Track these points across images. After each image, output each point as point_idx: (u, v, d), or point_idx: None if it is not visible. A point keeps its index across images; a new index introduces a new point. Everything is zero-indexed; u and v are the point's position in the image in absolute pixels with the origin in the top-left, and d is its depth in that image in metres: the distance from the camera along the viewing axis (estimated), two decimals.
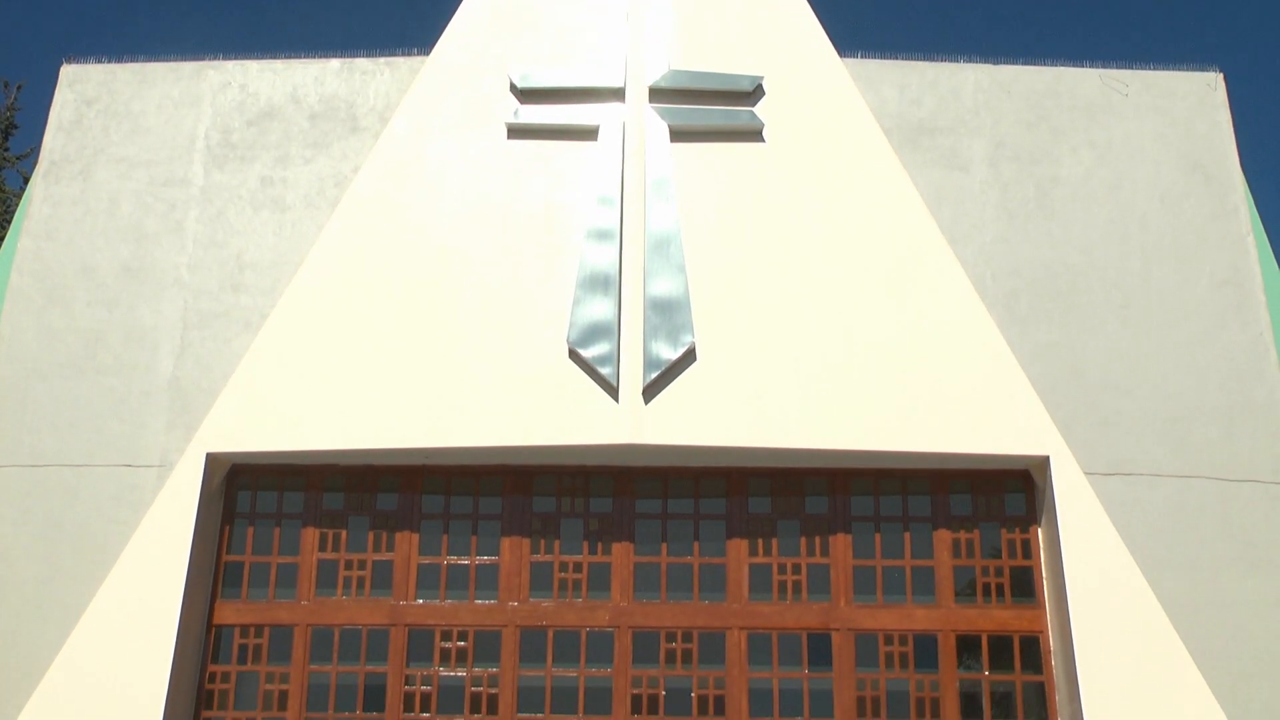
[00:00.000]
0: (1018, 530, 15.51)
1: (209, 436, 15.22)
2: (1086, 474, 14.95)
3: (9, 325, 15.79)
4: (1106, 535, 14.69)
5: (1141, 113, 16.83)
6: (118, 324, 15.81)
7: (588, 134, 16.45)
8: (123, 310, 15.89)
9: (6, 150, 34.01)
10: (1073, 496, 14.86)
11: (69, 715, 14.13)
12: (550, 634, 15.23)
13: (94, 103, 16.95)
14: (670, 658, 15.13)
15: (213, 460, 15.20)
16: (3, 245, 17.07)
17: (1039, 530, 15.41)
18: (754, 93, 16.55)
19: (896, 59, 17.08)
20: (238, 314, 15.83)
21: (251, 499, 15.78)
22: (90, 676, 14.27)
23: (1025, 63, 17.04)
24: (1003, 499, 15.64)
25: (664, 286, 15.50)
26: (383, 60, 17.14)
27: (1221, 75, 17.05)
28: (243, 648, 15.21)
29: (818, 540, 15.51)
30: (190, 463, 15.09)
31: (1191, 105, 16.88)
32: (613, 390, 15.14)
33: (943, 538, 15.48)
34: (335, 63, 17.15)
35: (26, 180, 30.31)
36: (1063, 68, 17.05)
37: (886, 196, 16.12)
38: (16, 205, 28.46)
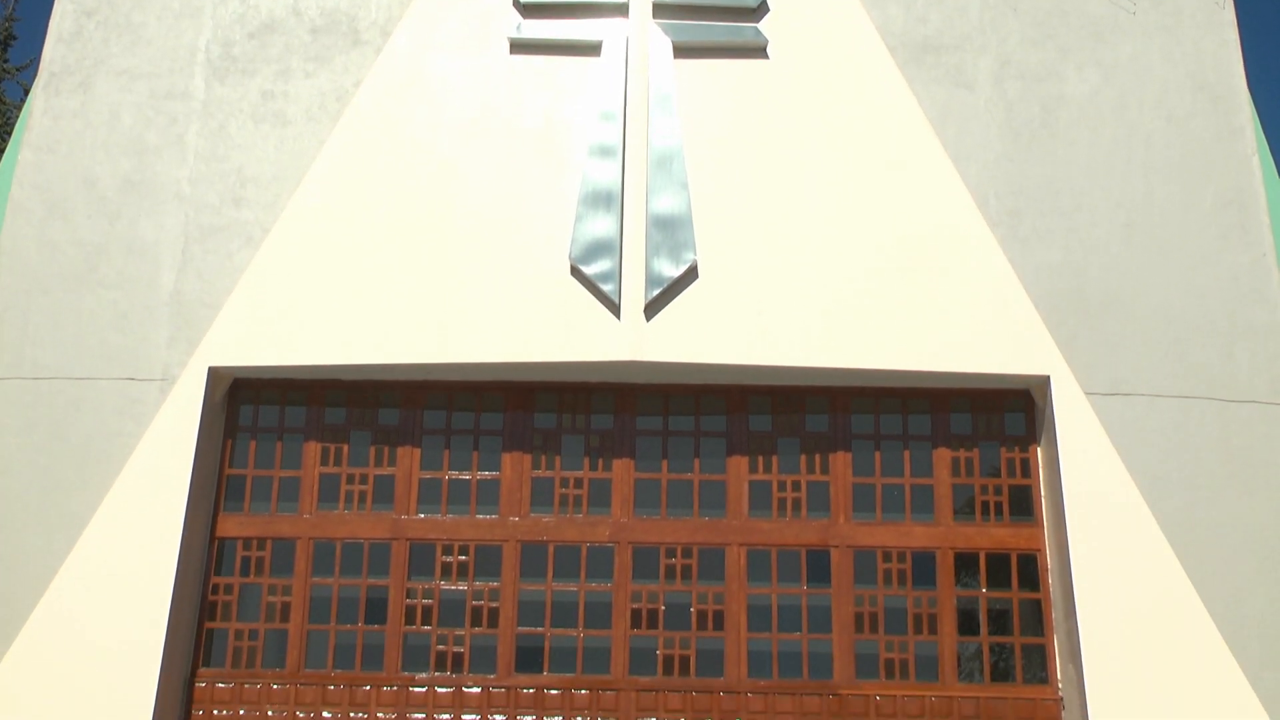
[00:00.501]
0: (1017, 449, 15.57)
1: (211, 351, 15.25)
2: (1086, 394, 14.97)
3: (9, 238, 15.75)
4: (1105, 455, 14.75)
5: (1149, 32, 16.67)
6: (119, 237, 15.77)
7: (590, 49, 16.35)
8: (124, 224, 15.84)
9: (6, 62, 33.82)
10: (1072, 416, 14.90)
11: (74, 628, 14.27)
12: (551, 549, 15.34)
13: (94, 14, 16.80)
14: (670, 573, 15.24)
15: (215, 374, 15.24)
16: (3, 158, 17.01)
17: (1038, 449, 15.47)
18: (758, 9, 16.43)
19: None
20: (239, 228, 15.79)
21: (254, 413, 15.83)
22: (95, 587, 14.39)
23: None
24: (1002, 418, 15.69)
25: (666, 203, 15.47)
26: None
27: None
28: (245, 560, 15.32)
29: (817, 458, 15.58)
30: (192, 376, 15.13)
31: (1199, 24, 16.71)
32: (614, 307, 15.15)
33: (942, 456, 15.55)
34: None
35: (26, 92, 30.11)
36: None
37: (890, 114, 16.05)
38: (16, 117, 28.32)
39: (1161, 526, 14.48)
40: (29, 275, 15.59)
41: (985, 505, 15.44)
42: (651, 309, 15.16)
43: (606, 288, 15.17)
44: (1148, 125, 16.21)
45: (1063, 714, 14.60)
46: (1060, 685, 14.69)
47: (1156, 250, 15.62)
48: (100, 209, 15.90)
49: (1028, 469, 15.49)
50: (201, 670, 14.93)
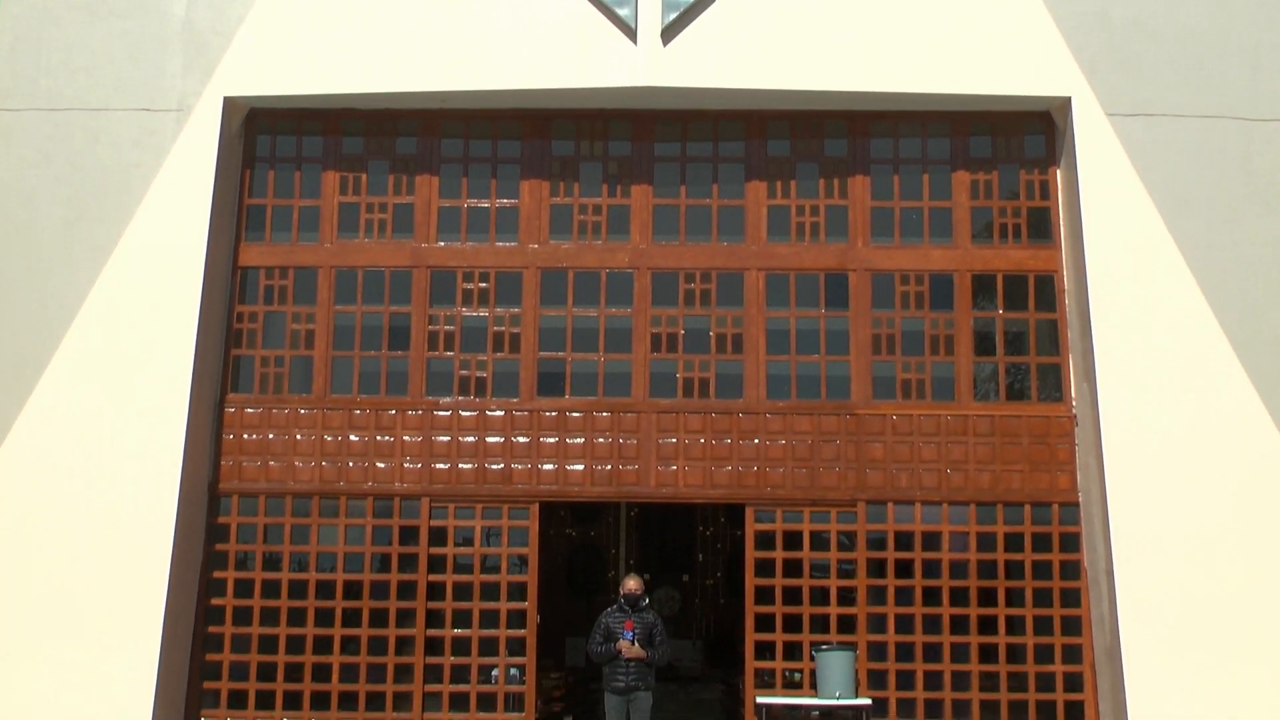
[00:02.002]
0: (1036, 172, 15.52)
1: (225, 80, 15.14)
2: (1108, 115, 14.83)
3: None
4: (1125, 176, 14.68)
5: None
6: None
7: None
8: None
9: None
10: (1093, 137, 14.80)
11: (101, 356, 14.51)
12: (570, 275, 15.46)
13: None
14: (689, 298, 15.38)
15: (230, 104, 15.16)
16: None
17: (1058, 171, 15.41)
18: None
19: None
20: None
21: (271, 143, 15.80)
22: (120, 318, 14.58)
23: None
24: (1022, 141, 15.60)
25: None
26: None
27: None
28: (268, 289, 15.47)
29: (836, 182, 15.56)
30: (208, 106, 15.07)
31: None
32: (631, 32, 14.96)
33: (961, 179, 15.51)
34: None
35: None
36: None
37: None
38: None
39: (1180, 247, 14.50)
40: (39, 6, 15.36)
41: (1004, 228, 15.46)
42: (669, 33, 14.96)
43: (623, 12, 14.96)
44: None
45: (1076, 431, 14.83)
46: (1074, 403, 14.91)
47: None
48: None
49: (1047, 191, 15.46)
50: (230, 395, 15.22)
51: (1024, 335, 15.48)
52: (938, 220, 15.46)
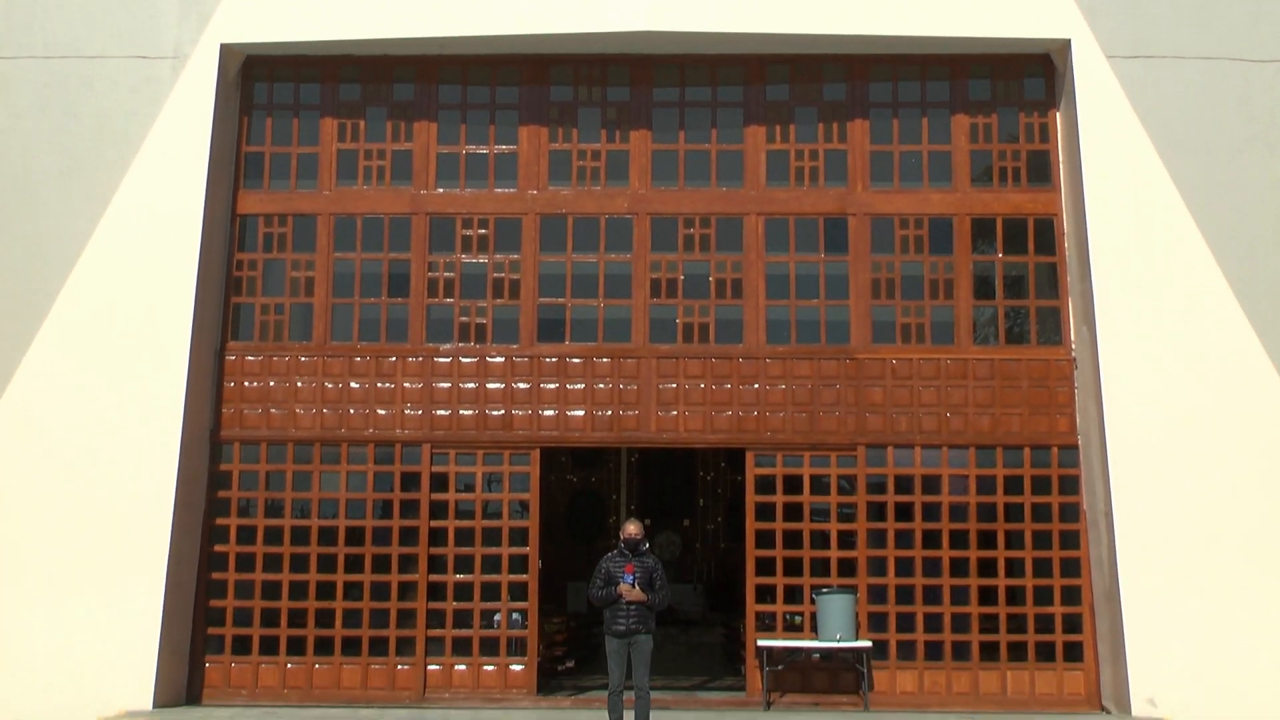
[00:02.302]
0: (1036, 114, 15.48)
1: (222, 27, 15.08)
2: (1107, 57, 14.78)
3: None
4: (1125, 118, 14.65)
5: None
6: None
7: None
8: None
9: None
10: (1093, 79, 14.75)
11: (100, 306, 14.51)
12: (570, 221, 15.44)
13: None
14: (688, 243, 15.37)
15: (227, 51, 15.10)
16: None
17: (1057, 114, 15.37)
18: None
19: None
20: None
21: (268, 90, 15.75)
22: (119, 266, 14.58)
23: None
24: (1022, 83, 15.55)
25: None
26: None
27: None
28: (268, 236, 15.46)
29: (835, 126, 15.53)
30: (204, 53, 15.01)
31: None
32: None
33: (960, 123, 15.48)
34: None
35: None
36: None
37: None
38: None
39: (1179, 189, 14.48)
40: None
41: (1003, 171, 15.43)
42: None
43: None
44: None
45: (1075, 374, 14.86)
46: (1074, 346, 14.93)
47: None
48: None
49: (1046, 134, 15.42)
50: (231, 343, 15.23)
51: (1023, 279, 15.50)
52: (937, 164, 15.44)
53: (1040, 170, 15.40)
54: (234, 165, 15.46)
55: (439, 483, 14.99)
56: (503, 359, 15.14)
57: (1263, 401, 14.07)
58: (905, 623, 14.62)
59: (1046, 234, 15.26)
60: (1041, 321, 15.27)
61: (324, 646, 14.70)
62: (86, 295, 14.53)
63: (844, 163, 15.45)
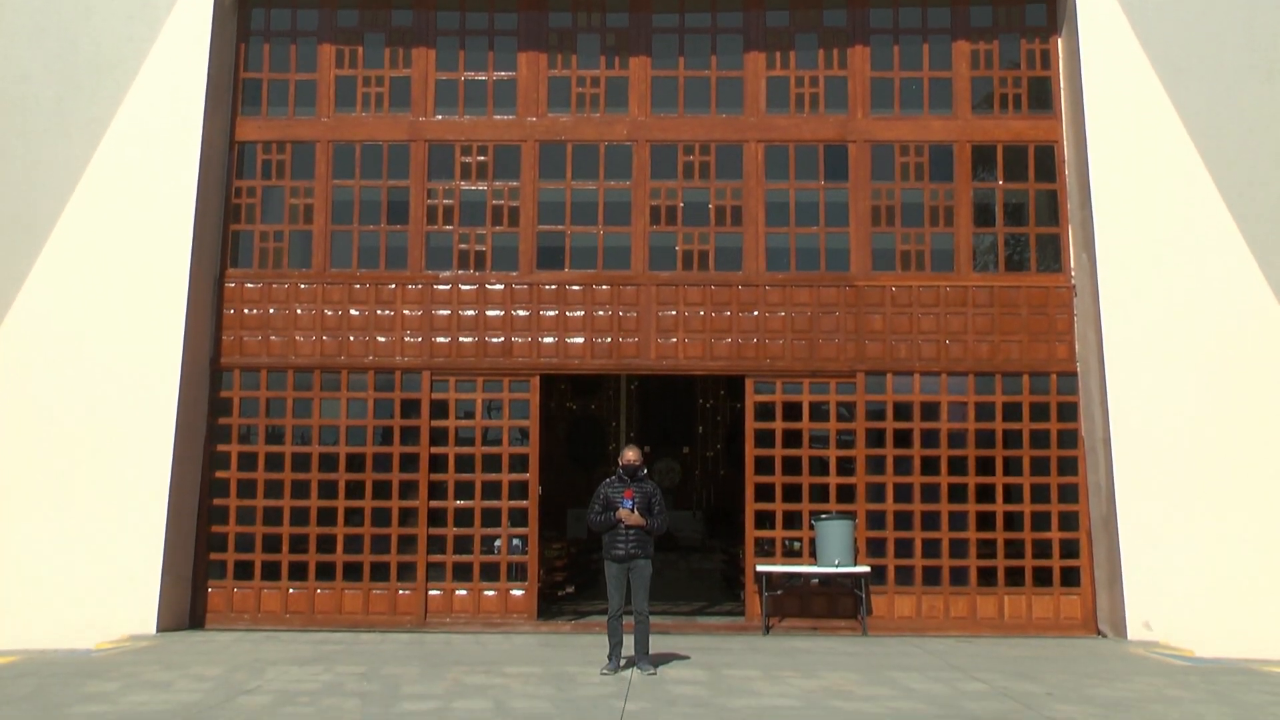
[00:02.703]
0: (1037, 41, 15.39)
1: None
2: None
3: None
4: (1127, 44, 14.56)
5: None
6: None
7: None
8: None
9: None
10: (1095, 5, 14.65)
11: (98, 233, 14.47)
12: (569, 148, 15.39)
13: None
14: (688, 170, 15.33)
15: None
16: None
17: (1059, 41, 15.28)
18: None
19: None
20: None
21: (265, 16, 15.63)
22: (117, 194, 14.54)
23: None
24: (1023, 9, 15.45)
25: None
26: None
27: None
28: (266, 163, 15.42)
29: (835, 53, 15.44)
30: None
31: None
32: None
33: (961, 49, 15.39)
34: None
35: None
36: None
37: None
38: None
39: (1180, 116, 14.42)
40: None
41: (1004, 98, 15.37)
42: None
43: None
44: None
45: (1075, 301, 14.87)
46: (1073, 273, 14.93)
47: None
48: None
49: (1047, 61, 15.33)
50: (230, 270, 15.22)
51: (1023, 206, 15.47)
52: (937, 91, 15.38)
53: (1041, 97, 15.34)
54: (232, 92, 15.39)
55: (439, 409, 15.04)
56: (502, 286, 15.14)
57: (1262, 327, 14.09)
58: (903, 548, 14.71)
59: (1047, 161, 15.23)
60: (1041, 248, 15.27)
61: (325, 572, 14.81)
62: (85, 223, 14.50)
63: (844, 89, 15.38)
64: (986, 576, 14.66)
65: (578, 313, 15.07)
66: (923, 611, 14.60)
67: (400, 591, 14.75)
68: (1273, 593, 13.64)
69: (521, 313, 15.07)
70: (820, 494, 14.83)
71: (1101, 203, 14.37)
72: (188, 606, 14.59)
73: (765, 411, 15.01)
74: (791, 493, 14.83)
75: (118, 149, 14.63)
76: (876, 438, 14.89)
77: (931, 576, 14.68)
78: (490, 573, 14.88)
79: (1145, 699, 9.92)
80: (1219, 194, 14.29)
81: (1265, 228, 14.28)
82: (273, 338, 15.10)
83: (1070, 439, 14.74)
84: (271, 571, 14.82)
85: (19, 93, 14.72)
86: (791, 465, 14.85)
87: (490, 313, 15.08)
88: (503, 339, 15.04)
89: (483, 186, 15.32)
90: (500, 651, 12.68)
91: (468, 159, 15.36)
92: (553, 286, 15.14)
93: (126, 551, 13.89)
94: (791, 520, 14.86)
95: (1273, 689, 10.58)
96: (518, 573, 14.93)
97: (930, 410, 14.91)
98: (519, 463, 15.01)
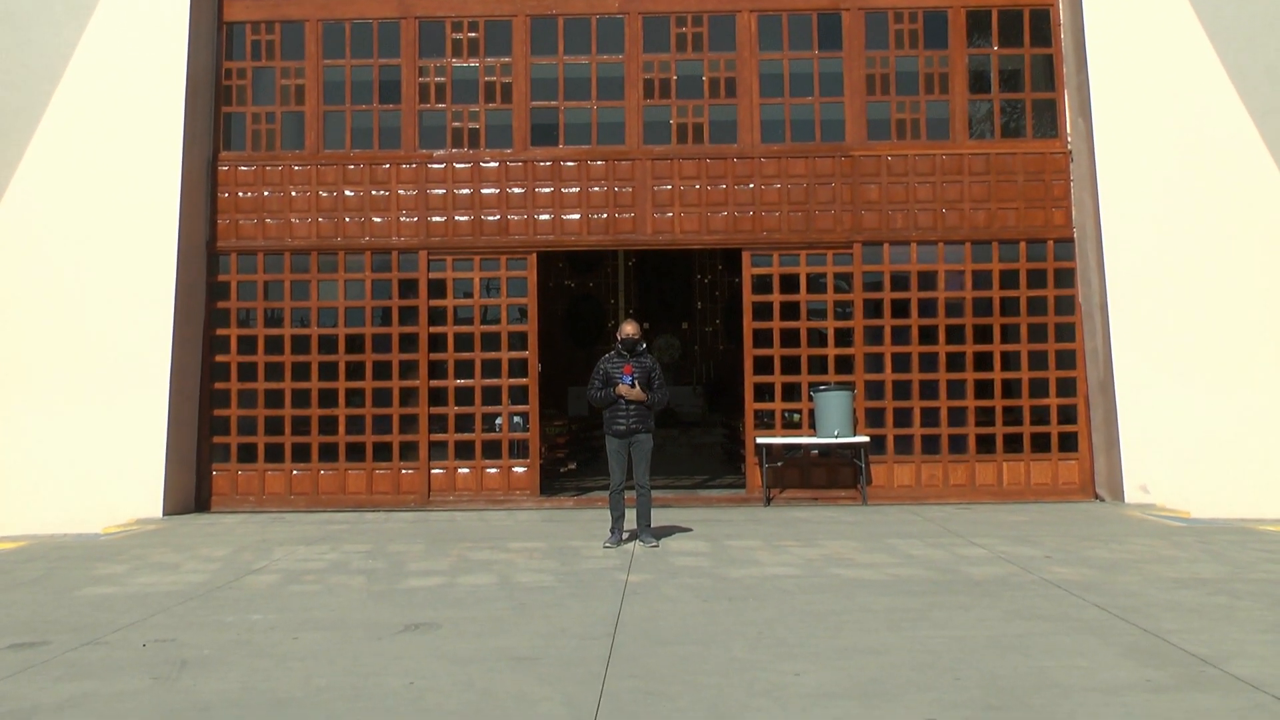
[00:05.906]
0: None
1: None
2: None
3: None
4: None
5: None
6: None
7: None
8: None
9: None
10: None
11: (88, 119, 14.36)
12: (560, 22, 15.23)
13: None
14: (681, 42, 15.18)
15: None
16: None
17: None
18: None
19: None
20: None
21: None
22: (106, 78, 14.40)
23: None
24: None
25: None
26: None
27: None
28: (255, 44, 15.26)
29: None
30: None
31: None
32: None
33: None
34: None
35: None
36: None
37: None
38: None
39: None
40: None
41: None
42: None
43: None
44: None
45: (1071, 166, 14.81)
46: (1070, 139, 14.85)
47: None
48: None
49: None
50: (223, 153, 15.13)
51: (1019, 72, 15.34)
52: None
53: None
54: None
55: (437, 289, 15.04)
56: (497, 164, 15.07)
57: (1260, 191, 14.05)
58: (902, 418, 14.80)
59: (1042, 25, 15.07)
60: (1037, 115, 15.17)
61: (329, 453, 14.91)
62: (75, 106, 14.39)
63: None
64: (985, 444, 14.75)
65: (573, 189, 15.01)
66: (922, 480, 14.72)
67: (404, 471, 14.85)
68: (1266, 455, 13.74)
69: (517, 190, 15.01)
70: (819, 365, 14.88)
71: (1097, 66, 14.26)
72: (193, 490, 14.71)
73: (763, 284, 15.01)
74: (790, 365, 14.88)
75: (105, 33, 14.48)
76: (874, 308, 14.90)
77: (930, 445, 14.78)
78: (492, 450, 14.98)
79: (1142, 560, 10.03)
80: (1216, 55, 14.17)
81: (1264, 89, 14.16)
82: (268, 220, 15.05)
83: (1067, 305, 14.77)
84: (275, 454, 14.92)
85: None
86: (789, 337, 14.89)
87: (485, 191, 15.02)
88: (498, 217, 15.00)
89: (474, 63, 15.19)
90: (504, 528, 12.80)
91: (459, 35, 15.20)
92: (547, 163, 15.07)
93: (131, 436, 13.97)
94: (790, 392, 14.92)
95: (1265, 546, 10.72)
96: (520, 450, 15.02)
97: (927, 279, 14.90)
98: (518, 340, 15.04)
